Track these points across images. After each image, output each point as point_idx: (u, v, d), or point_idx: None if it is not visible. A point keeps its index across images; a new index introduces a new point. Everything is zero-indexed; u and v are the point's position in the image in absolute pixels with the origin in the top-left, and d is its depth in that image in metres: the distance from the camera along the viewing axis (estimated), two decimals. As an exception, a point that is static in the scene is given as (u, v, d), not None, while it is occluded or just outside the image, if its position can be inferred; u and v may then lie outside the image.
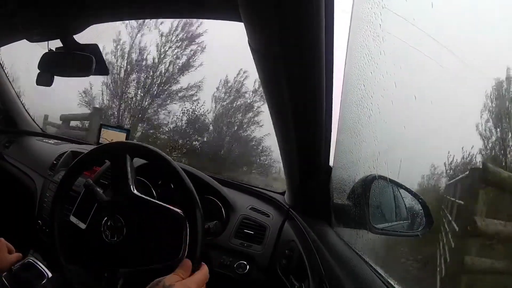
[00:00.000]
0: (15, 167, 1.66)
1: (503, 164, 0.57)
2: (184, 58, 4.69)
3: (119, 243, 0.99)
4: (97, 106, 4.87)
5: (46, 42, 1.11)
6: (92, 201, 1.07)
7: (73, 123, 4.67)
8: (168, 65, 4.77)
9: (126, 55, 4.81)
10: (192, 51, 4.68)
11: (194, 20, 4.51)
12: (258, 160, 4.69)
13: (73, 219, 1.09)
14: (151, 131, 4.88)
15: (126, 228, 0.99)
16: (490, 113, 0.55)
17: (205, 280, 0.79)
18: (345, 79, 0.83)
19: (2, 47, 1.31)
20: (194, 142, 4.68)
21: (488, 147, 0.58)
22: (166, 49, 4.75)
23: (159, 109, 4.85)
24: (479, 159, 0.57)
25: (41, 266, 1.01)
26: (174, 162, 1.00)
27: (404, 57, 0.63)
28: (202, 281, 0.79)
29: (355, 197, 0.89)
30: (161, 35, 4.71)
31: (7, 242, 0.93)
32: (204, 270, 0.81)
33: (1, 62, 1.65)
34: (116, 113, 4.92)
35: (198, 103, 4.73)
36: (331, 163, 0.99)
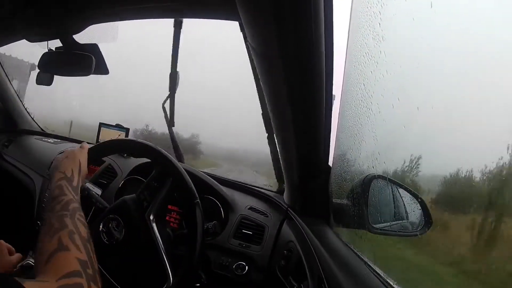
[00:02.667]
0: (14, 167, 1.65)
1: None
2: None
3: (117, 245, 0.99)
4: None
5: (46, 42, 1.11)
6: (89, 205, 1.08)
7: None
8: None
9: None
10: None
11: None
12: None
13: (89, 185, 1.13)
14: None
15: (125, 228, 0.99)
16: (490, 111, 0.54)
17: None
18: (344, 78, 0.83)
19: (2, 47, 1.31)
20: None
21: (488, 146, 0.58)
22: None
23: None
24: (479, 158, 0.57)
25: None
26: (169, 155, 1.01)
27: (403, 56, 0.63)
28: None
29: (354, 197, 0.89)
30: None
31: (7, 244, 0.92)
32: None
33: (1, 62, 1.65)
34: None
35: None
36: (330, 162, 0.99)
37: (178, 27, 1.28)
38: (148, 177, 1.06)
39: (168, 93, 1.50)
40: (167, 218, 1.24)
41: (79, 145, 0.97)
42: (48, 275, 0.51)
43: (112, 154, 1.44)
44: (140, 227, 0.98)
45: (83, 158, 0.91)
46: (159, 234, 0.97)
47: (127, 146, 1.10)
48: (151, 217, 0.98)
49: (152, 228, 0.97)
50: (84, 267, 0.54)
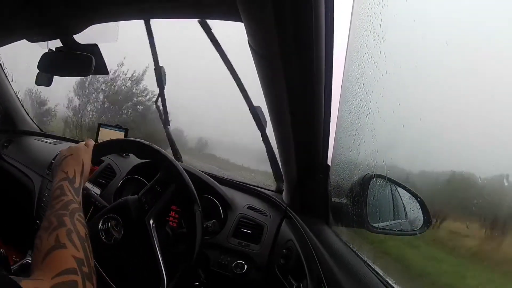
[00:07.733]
0: (14, 167, 1.66)
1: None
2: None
3: (115, 244, 0.99)
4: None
5: (46, 42, 1.11)
6: (88, 204, 1.08)
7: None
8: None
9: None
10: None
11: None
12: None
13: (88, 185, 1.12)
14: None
15: (124, 228, 0.99)
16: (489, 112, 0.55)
17: None
18: (344, 78, 0.84)
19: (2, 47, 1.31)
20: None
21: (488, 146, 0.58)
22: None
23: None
24: (478, 157, 0.57)
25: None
26: (175, 161, 1.00)
27: (403, 57, 0.63)
28: None
29: (353, 196, 0.89)
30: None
31: None
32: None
33: (1, 62, 1.65)
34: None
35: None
36: (329, 161, 0.99)
37: (148, 22, 1.18)
38: (151, 180, 1.05)
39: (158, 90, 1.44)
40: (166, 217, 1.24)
41: (84, 142, 0.93)
42: (44, 273, 0.52)
43: (116, 153, 1.43)
44: (139, 230, 0.98)
45: (87, 157, 0.88)
46: (157, 238, 0.97)
47: (132, 147, 1.08)
48: (151, 222, 0.98)
49: (151, 232, 0.97)
50: (80, 265, 0.55)
